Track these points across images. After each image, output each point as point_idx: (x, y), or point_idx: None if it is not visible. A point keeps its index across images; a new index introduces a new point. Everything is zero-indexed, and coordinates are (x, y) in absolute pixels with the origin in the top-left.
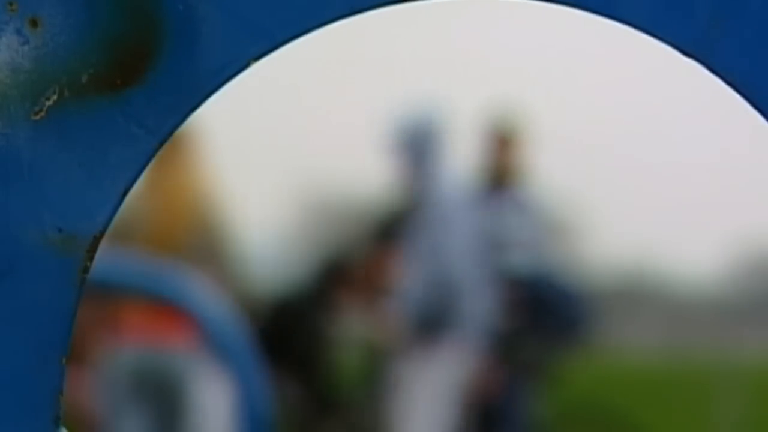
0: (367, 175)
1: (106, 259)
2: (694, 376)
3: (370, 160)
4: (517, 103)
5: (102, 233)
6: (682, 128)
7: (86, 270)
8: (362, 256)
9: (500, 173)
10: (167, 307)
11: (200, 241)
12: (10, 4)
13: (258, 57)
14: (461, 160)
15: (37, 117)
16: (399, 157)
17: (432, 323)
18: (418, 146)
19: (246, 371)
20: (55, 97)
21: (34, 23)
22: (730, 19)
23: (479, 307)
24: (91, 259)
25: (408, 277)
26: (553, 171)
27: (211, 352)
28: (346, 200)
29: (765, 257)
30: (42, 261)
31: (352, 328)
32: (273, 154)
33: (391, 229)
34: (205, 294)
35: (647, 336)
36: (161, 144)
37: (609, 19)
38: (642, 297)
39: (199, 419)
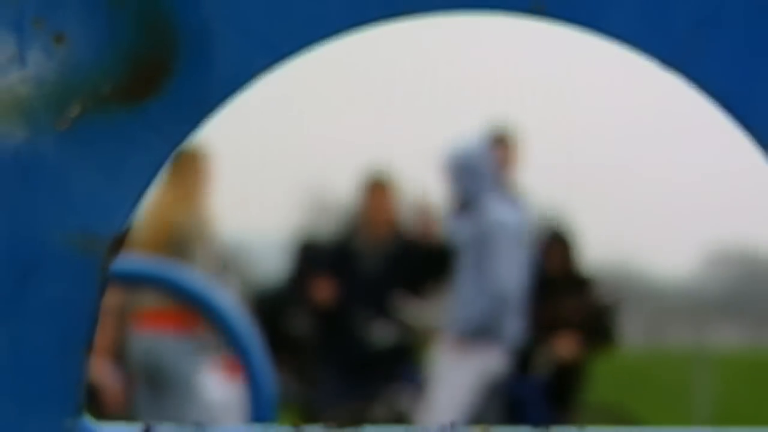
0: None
1: (128, 256)
2: (673, 364)
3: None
4: (506, 115)
5: (121, 233)
6: (661, 137)
7: (107, 268)
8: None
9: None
10: (186, 300)
11: (180, 248)
12: (37, 21)
13: (267, 70)
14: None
15: (62, 127)
16: (451, 181)
17: (482, 330)
18: (466, 172)
19: (255, 358)
20: (78, 108)
21: (59, 39)
22: (710, 31)
23: (517, 317)
24: (112, 258)
25: (467, 288)
26: (542, 177)
27: (225, 341)
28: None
29: (735, 257)
30: (66, 260)
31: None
32: (275, 164)
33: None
34: (216, 288)
35: (628, 329)
36: (175, 150)
37: (592, 31)
38: (625, 294)
39: (207, 404)
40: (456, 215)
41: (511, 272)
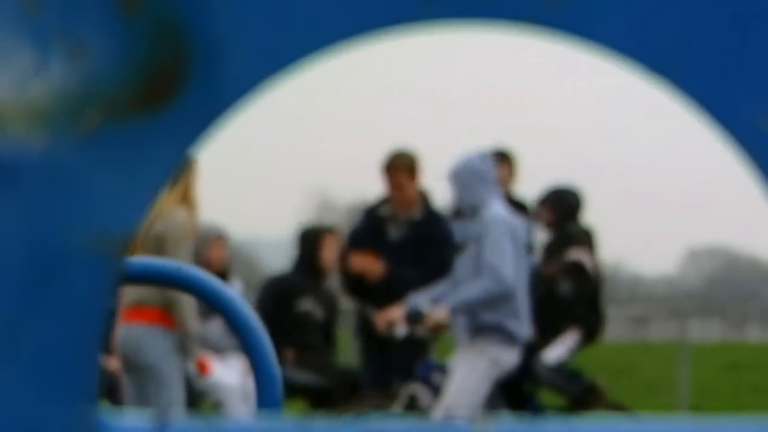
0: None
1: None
2: (655, 352)
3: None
4: (506, 131)
5: (135, 235)
6: (651, 146)
7: (121, 268)
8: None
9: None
10: (197, 294)
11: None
12: (58, 34)
13: (277, 79)
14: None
15: (81, 134)
16: (457, 188)
17: (482, 319)
18: (473, 178)
19: (262, 349)
20: (97, 116)
21: (79, 50)
22: (696, 39)
23: (522, 308)
24: (126, 257)
25: (467, 279)
26: (540, 185)
27: (236, 332)
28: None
29: (716, 255)
30: (84, 259)
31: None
32: (280, 168)
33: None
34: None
35: (616, 323)
36: (187, 155)
37: (579, 38)
38: (614, 290)
39: (217, 392)
40: (462, 220)
41: (507, 262)
